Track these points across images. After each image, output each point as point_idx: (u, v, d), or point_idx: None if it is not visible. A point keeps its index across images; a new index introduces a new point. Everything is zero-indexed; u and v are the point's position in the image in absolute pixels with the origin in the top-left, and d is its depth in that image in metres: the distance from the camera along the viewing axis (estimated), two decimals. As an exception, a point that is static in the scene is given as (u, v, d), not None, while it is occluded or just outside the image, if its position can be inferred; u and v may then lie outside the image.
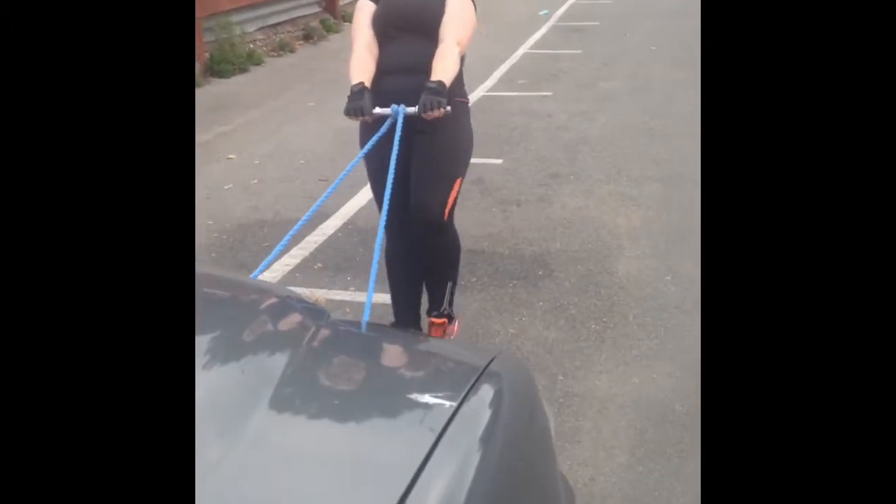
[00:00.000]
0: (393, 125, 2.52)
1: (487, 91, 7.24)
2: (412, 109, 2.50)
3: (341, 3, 10.84)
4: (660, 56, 8.65)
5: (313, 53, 9.35)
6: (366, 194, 4.36)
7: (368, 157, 2.60)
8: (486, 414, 1.07)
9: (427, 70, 2.50)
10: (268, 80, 8.09)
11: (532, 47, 9.36)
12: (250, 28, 8.85)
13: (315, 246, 4.06)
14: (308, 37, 9.73)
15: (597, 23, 10.87)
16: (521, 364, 1.35)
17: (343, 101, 2.56)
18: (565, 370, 2.92)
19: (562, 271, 3.70)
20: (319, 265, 3.86)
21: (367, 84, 2.55)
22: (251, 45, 8.59)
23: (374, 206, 2.96)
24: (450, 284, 2.86)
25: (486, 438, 1.03)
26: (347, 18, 10.86)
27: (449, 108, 2.47)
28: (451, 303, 2.90)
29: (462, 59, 2.64)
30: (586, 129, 6.06)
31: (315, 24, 9.94)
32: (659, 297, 3.44)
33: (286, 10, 9.66)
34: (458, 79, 2.64)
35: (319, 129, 6.20)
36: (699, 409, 1.31)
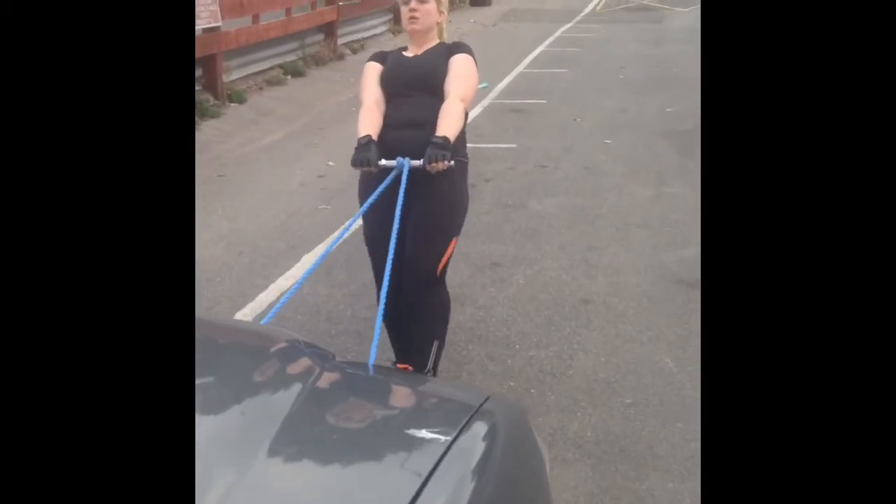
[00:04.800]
0: (397, 176, 2.62)
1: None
2: (417, 162, 2.61)
3: (227, 79, 8.74)
4: (616, 154, 6.59)
5: (169, 151, 7.20)
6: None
7: (368, 216, 2.77)
8: (480, 448, 1.11)
9: (431, 124, 2.65)
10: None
11: (455, 139, 7.30)
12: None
13: None
14: (171, 126, 7.59)
15: (543, 101, 8.84)
16: (515, 404, 1.37)
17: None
18: None
19: None
20: None
21: (374, 137, 2.69)
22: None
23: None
24: (436, 343, 2.81)
25: (480, 470, 1.07)
26: (235, 98, 8.72)
27: (452, 162, 2.58)
28: (435, 364, 2.84)
29: (465, 115, 2.77)
30: (489, 303, 3.92)
31: (185, 108, 7.80)
32: None
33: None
34: (461, 138, 2.78)
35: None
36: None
